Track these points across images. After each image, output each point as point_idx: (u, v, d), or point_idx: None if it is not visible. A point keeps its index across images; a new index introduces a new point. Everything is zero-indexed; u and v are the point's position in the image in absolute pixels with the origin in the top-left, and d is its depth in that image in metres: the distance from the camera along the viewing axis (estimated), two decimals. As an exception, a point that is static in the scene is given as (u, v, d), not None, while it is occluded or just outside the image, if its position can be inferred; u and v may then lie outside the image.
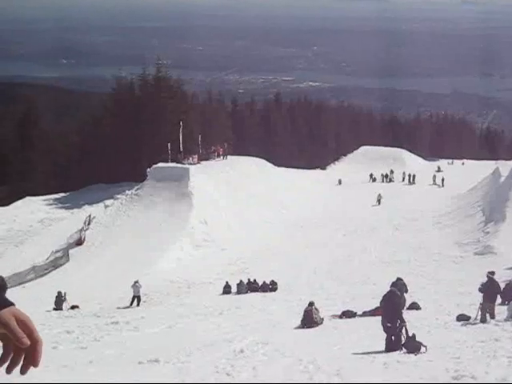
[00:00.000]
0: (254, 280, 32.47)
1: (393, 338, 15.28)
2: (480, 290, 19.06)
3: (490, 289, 18.89)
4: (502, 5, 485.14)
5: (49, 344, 19.36)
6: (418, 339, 15.00)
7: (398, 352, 14.85)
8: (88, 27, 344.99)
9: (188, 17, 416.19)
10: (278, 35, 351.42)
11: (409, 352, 14.74)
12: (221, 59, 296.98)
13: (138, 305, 28.89)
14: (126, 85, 61.93)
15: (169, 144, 50.94)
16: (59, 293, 29.12)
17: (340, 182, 71.38)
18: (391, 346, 15.21)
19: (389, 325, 15.30)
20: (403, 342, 15.20)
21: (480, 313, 18.61)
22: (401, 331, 15.29)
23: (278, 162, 66.66)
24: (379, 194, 58.40)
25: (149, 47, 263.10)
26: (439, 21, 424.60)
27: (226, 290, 31.54)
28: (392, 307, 15.67)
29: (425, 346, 14.62)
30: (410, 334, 15.14)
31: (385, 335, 15.44)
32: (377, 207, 56.75)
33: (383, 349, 15.22)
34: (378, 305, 18.92)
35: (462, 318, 19.09)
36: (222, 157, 56.76)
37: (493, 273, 20.01)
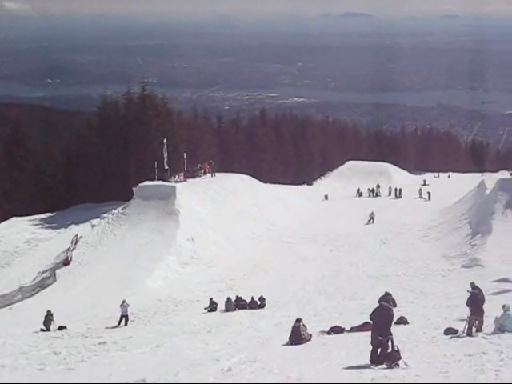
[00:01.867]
0: (241, 297, 32.42)
1: (379, 350, 15.31)
2: (466, 303, 19.14)
3: (474, 302, 18.94)
4: (484, 18, 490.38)
5: (36, 365, 19.21)
6: (405, 353, 15.04)
7: (384, 365, 14.89)
8: (73, 47, 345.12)
9: (173, 35, 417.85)
10: (263, 52, 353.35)
11: (386, 363, 14.85)
12: (206, 76, 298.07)
13: (125, 324, 28.71)
14: (111, 103, 61.53)
15: (155, 162, 50.85)
16: (48, 312, 28.92)
17: (326, 197, 70.97)
18: (377, 358, 15.25)
19: (380, 338, 15.32)
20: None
21: (467, 326, 18.67)
22: (387, 343, 15.33)
23: (264, 179, 66.64)
24: (372, 212, 57.16)
25: (134, 66, 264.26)
26: (423, 35, 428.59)
27: (213, 306, 31.43)
28: (386, 321, 15.68)
29: (404, 362, 14.70)
30: (396, 348, 15.19)
31: (371, 348, 15.49)
32: (364, 222, 56.40)
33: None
34: (366, 320, 18.97)
35: (450, 332, 19.12)
36: (210, 174, 56.61)
37: (473, 284, 20.03)
